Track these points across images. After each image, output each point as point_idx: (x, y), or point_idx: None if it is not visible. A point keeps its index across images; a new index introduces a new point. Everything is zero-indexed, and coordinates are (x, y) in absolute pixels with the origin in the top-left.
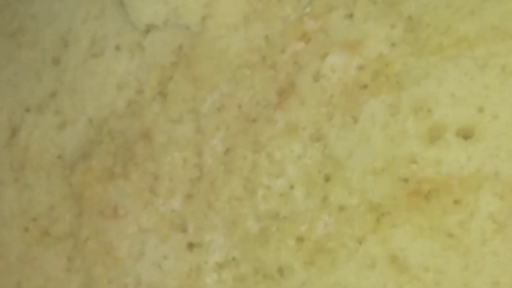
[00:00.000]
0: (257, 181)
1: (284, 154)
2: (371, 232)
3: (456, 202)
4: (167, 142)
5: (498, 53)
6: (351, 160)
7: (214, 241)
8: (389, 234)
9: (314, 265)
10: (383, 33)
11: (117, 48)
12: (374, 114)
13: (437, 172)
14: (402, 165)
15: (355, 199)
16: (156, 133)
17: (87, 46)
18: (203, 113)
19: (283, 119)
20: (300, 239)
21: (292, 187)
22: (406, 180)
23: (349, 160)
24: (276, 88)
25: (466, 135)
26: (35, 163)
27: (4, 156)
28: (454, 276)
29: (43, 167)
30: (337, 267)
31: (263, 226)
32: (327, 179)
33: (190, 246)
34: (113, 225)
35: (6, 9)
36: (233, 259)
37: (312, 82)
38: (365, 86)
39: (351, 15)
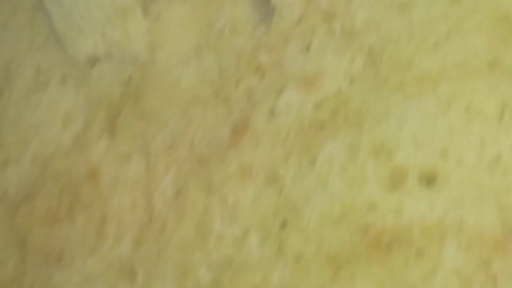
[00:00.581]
0: (209, 226)
1: (238, 198)
2: (329, 284)
3: (418, 253)
4: (115, 182)
5: (462, 92)
6: (308, 205)
7: None
8: (348, 286)
9: None
10: (341, 68)
11: (63, 80)
12: (332, 156)
13: (398, 221)
14: (361, 212)
15: (312, 249)
16: (103, 172)
17: (31, 78)
18: (153, 151)
19: (237, 160)
20: None
21: (246, 233)
22: (365, 229)
23: (306, 206)
24: (229, 125)
25: (429, 180)
26: None
27: None
28: None
29: None
30: None
31: (216, 276)
32: (283, 225)
33: None
34: (59, 272)
35: None
36: None
37: (267, 120)
38: (322, 125)
39: (308, 48)
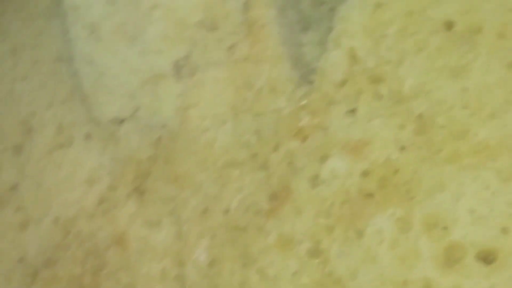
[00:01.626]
0: None
1: (278, 271)
2: None
3: None
4: (144, 249)
5: None
6: (355, 282)
7: None
8: None
9: None
10: (390, 134)
11: (87, 137)
12: (382, 229)
13: None
14: None
15: None
16: (131, 238)
17: (53, 134)
18: (185, 217)
19: (277, 230)
20: None
21: None
22: None
23: (352, 282)
24: (268, 192)
25: (487, 259)
26: None
27: None
28: None
29: (1, 271)
30: None
31: None
32: None
33: None
34: None
35: None
36: None
37: (309, 188)
38: (370, 196)
39: (353, 111)
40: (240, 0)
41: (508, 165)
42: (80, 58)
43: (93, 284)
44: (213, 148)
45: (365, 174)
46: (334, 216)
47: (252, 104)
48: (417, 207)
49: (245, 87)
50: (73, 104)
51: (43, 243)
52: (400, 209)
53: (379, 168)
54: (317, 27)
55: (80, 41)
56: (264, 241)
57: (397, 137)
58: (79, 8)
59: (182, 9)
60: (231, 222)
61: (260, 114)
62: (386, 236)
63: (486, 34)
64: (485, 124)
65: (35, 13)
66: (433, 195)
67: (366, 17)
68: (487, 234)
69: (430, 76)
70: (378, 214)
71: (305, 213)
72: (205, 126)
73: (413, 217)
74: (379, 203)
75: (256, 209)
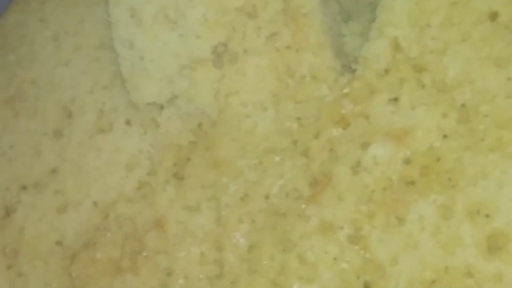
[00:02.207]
0: (286, 285)
1: (318, 256)
2: None
3: None
4: (183, 233)
5: None
6: (396, 267)
7: None
8: None
9: None
10: (433, 123)
11: (128, 122)
12: (423, 216)
13: None
14: (456, 278)
15: None
16: (170, 222)
17: (94, 119)
18: (224, 202)
19: (317, 216)
20: None
21: None
22: None
23: (393, 268)
24: (309, 178)
25: None
26: (31, 249)
27: None
28: None
29: (39, 254)
30: None
31: None
32: (367, 287)
33: None
34: None
35: (2, 71)
36: None
37: (351, 175)
38: (412, 183)
39: (396, 100)
40: None
41: None
42: (120, 42)
43: (131, 267)
44: (253, 134)
45: (407, 161)
46: (375, 203)
47: (294, 91)
48: (459, 195)
49: (287, 74)
50: (114, 90)
51: (82, 226)
52: (442, 196)
53: (421, 156)
54: (358, 18)
55: (121, 25)
56: (304, 227)
57: (440, 125)
58: None
59: None
60: (271, 207)
61: (301, 101)
62: (427, 222)
63: None
64: None
65: (77, 1)
66: (476, 183)
67: (410, 7)
68: None
69: (473, 65)
70: (419, 201)
71: (346, 200)
72: (246, 113)
73: (456, 204)
74: (421, 190)
75: (296, 195)
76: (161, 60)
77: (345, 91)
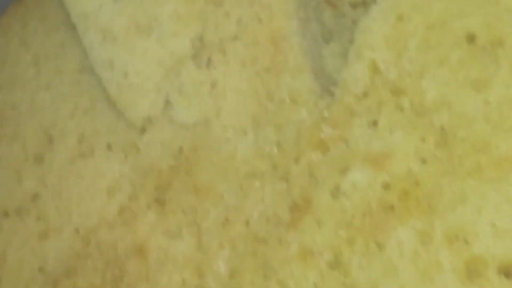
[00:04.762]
0: None
1: (298, 282)
2: None
3: None
4: (164, 259)
5: None
6: None
7: None
8: None
9: None
10: (412, 147)
11: (109, 147)
12: (402, 241)
13: None
14: None
15: None
16: (151, 248)
17: (75, 143)
18: (205, 228)
19: (297, 241)
20: None
21: None
22: None
23: None
24: (289, 203)
25: (509, 272)
26: (13, 275)
27: None
28: None
29: (21, 280)
30: None
31: None
32: None
33: None
34: None
35: None
36: None
37: (330, 200)
38: (391, 208)
39: (375, 123)
40: None
41: None
42: (100, 65)
43: None
44: (234, 159)
45: (386, 186)
46: (355, 228)
47: (274, 115)
48: (438, 220)
49: (267, 98)
50: (95, 114)
51: (64, 252)
52: (421, 222)
53: (400, 180)
54: (339, 39)
55: (96, 49)
56: (284, 253)
57: (418, 150)
58: (87, 16)
59: None
60: (252, 233)
61: (281, 125)
62: (406, 248)
63: (508, 47)
64: (507, 137)
65: (57, 24)
66: (455, 208)
67: (387, 29)
68: (509, 247)
69: (451, 88)
70: (399, 227)
71: (326, 225)
72: (227, 137)
73: (434, 230)
74: (400, 215)
75: (276, 220)
76: (145, 70)
77: (325, 115)
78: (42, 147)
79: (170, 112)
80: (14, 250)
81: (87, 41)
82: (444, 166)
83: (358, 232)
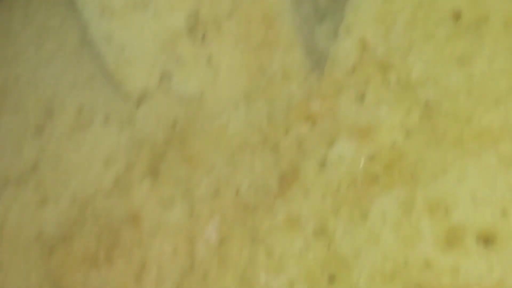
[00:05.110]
0: (253, 277)
1: (285, 249)
2: None
3: None
4: (157, 227)
5: None
6: (359, 260)
7: None
8: None
9: None
10: (397, 120)
11: (106, 119)
12: (385, 210)
13: (454, 281)
14: (415, 270)
15: None
16: (145, 216)
17: (74, 115)
18: (197, 197)
19: (285, 210)
20: None
21: (292, 286)
22: None
23: (356, 260)
24: (278, 174)
25: (487, 240)
26: (12, 241)
27: None
28: None
29: (20, 246)
30: None
31: None
32: (331, 280)
33: None
34: None
35: None
36: None
37: (317, 171)
38: (376, 179)
39: (362, 97)
40: None
41: (509, 150)
42: (98, 39)
43: (107, 260)
44: (226, 131)
45: (371, 158)
46: (340, 198)
47: (265, 89)
48: (420, 190)
49: (259, 73)
50: (94, 87)
51: (61, 219)
52: (404, 192)
53: (385, 152)
54: (332, 18)
55: (95, 23)
56: (272, 221)
57: (403, 122)
58: None
59: None
60: (241, 202)
61: (272, 99)
62: (389, 217)
63: (492, 24)
64: (489, 111)
65: (59, 1)
66: (436, 178)
67: (376, 7)
68: (487, 216)
69: (437, 64)
70: (382, 197)
71: (312, 195)
72: (219, 110)
73: (416, 199)
74: (384, 186)
75: (265, 190)
76: (142, 44)
77: (314, 89)
78: (43, 119)
79: (165, 85)
80: (13, 216)
81: (86, 15)
82: (428, 138)
83: (343, 202)
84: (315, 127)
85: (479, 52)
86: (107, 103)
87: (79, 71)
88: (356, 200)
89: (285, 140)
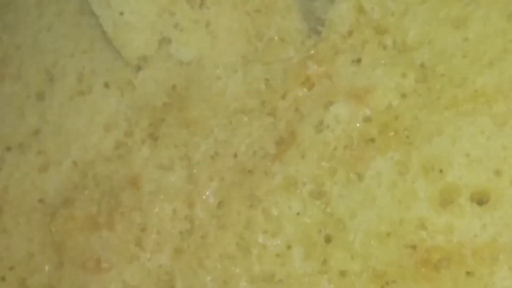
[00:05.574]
0: (251, 238)
1: (282, 211)
2: None
3: (468, 274)
4: (156, 190)
5: None
6: (355, 221)
7: None
8: None
9: None
10: (393, 82)
11: (106, 85)
12: (381, 172)
13: (449, 240)
14: (410, 230)
15: (357, 265)
16: (144, 180)
17: (74, 82)
18: (195, 161)
19: (282, 172)
20: None
21: (289, 247)
22: (414, 247)
23: (352, 221)
24: (275, 137)
25: (481, 200)
26: (15, 206)
27: None
28: None
29: (22, 211)
30: None
31: None
32: (327, 240)
33: None
34: (95, 279)
35: None
36: None
37: (314, 133)
38: (371, 140)
39: (358, 61)
40: None
41: (503, 111)
42: (97, 4)
43: (108, 223)
44: (224, 95)
45: (367, 120)
46: (336, 160)
47: (262, 53)
48: (415, 151)
49: (256, 37)
50: (94, 54)
51: (62, 184)
52: (399, 153)
53: (381, 114)
54: None
55: None
56: (269, 183)
57: (399, 85)
58: None
59: None
60: (239, 165)
61: (269, 63)
62: (385, 178)
63: None
64: (483, 72)
65: None
66: (431, 139)
67: None
68: (481, 176)
69: (432, 27)
70: (378, 158)
71: (309, 157)
72: (217, 75)
73: (411, 160)
74: (380, 147)
75: (263, 153)
76: (140, 9)
77: (311, 52)
78: (44, 85)
79: (164, 50)
80: (16, 182)
81: None
82: (423, 100)
83: (339, 164)
84: (312, 90)
85: (474, 13)
86: (107, 69)
87: (79, 38)
88: (352, 161)
89: (282, 103)
